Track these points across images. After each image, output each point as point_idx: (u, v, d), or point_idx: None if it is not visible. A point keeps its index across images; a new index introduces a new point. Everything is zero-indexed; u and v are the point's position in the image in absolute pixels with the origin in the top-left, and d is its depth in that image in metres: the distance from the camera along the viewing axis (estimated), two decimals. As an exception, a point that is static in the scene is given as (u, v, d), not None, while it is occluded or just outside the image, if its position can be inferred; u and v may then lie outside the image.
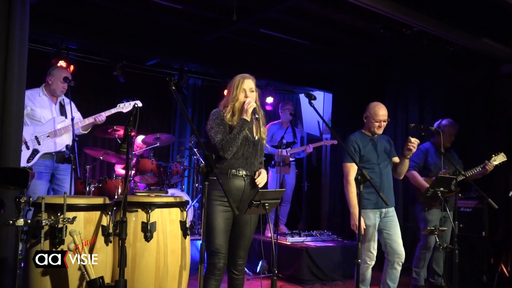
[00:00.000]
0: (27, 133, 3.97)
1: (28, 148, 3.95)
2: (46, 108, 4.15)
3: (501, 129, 5.04)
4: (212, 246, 2.70)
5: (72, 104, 4.39)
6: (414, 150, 3.46)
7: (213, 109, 2.93)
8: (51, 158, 4.08)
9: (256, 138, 2.91)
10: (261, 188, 2.78)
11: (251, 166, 2.86)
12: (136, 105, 2.63)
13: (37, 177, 4.01)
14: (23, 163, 3.90)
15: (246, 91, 2.89)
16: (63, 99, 4.25)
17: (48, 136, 4.04)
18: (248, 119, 2.83)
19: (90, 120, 4.16)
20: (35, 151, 3.97)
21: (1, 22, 2.88)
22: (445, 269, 4.26)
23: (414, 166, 4.34)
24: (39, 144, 4.00)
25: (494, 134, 5.06)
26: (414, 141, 3.41)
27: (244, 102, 2.85)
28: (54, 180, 4.14)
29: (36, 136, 4.00)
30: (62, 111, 4.23)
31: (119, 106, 4.22)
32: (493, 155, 4.24)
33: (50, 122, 4.11)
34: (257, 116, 2.86)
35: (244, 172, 2.82)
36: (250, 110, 2.82)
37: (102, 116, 4.18)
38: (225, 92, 3.04)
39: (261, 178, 2.85)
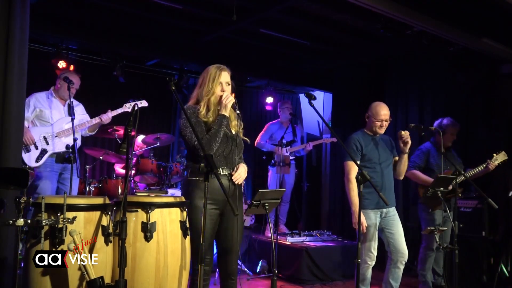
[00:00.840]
0: (36, 133, 4.06)
1: (37, 148, 4.02)
2: (55, 109, 4.24)
3: (501, 129, 5.03)
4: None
5: (81, 106, 4.44)
6: (409, 141, 3.46)
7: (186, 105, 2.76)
8: None
9: (234, 132, 2.80)
10: (260, 188, 2.74)
11: (232, 164, 2.75)
12: (136, 105, 2.63)
13: (46, 177, 4.07)
14: (32, 163, 3.97)
15: (223, 84, 2.73)
16: (72, 101, 4.29)
17: (56, 136, 4.11)
18: (227, 114, 2.69)
19: (96, 120, 4.23)
20: (44, 151, 4.03)
21: (1, 22, 2.88)
22: (445, 269, 4.26)
23: (414, 166, 4.30)
24: (47, 144, 4.07)
25: (494, 134, 5.05)
26: (404, 133, 3.43)
27: (221, 97, 2.70)
28: (61, 179, 4.21)
29: (44, 136, 4.08)
30: (71, 112, 4.27)
31: (125, 106, 4.30)
32: (495, 154, 4.22)
33: (58, 122, 4.18)
34: (238, 112, 2.72)
35: (227, 171, 2.72)
36: (229, 105, 2.68)
37: (108, 115, 4.22)
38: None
39: (238, 174, 2.70)
